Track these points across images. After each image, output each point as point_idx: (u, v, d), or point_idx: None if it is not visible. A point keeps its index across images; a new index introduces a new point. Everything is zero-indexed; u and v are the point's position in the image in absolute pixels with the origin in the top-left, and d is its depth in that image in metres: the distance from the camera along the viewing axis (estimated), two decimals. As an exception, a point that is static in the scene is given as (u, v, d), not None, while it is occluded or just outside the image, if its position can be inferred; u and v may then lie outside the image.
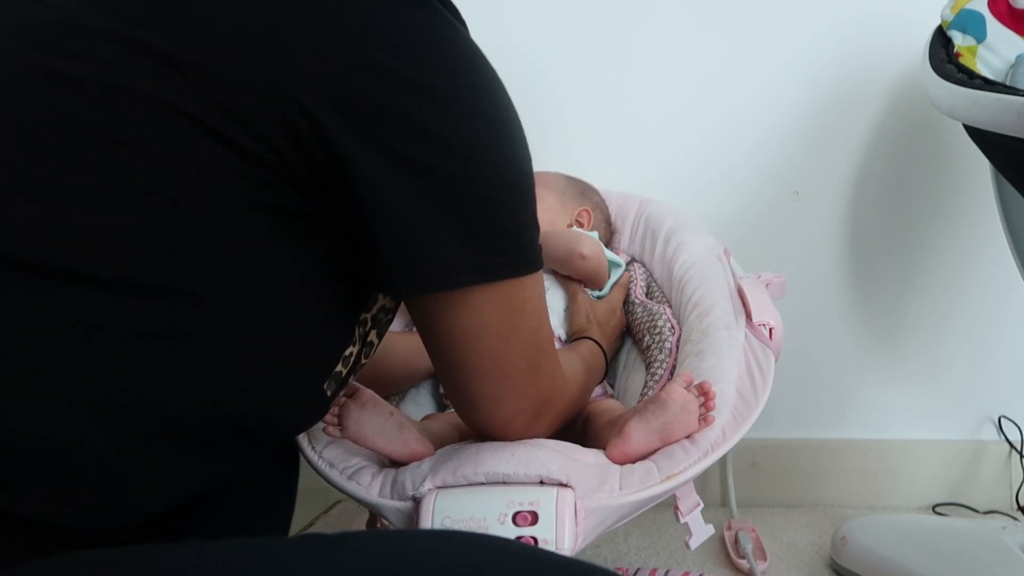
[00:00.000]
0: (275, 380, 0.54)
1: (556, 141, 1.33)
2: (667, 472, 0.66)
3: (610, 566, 1.12)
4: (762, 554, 1.12)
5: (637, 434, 0.69)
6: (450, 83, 0.52)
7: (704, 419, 0.69)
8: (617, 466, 0.68)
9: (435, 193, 0.51)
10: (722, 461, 1.29)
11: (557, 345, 0.97)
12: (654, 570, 1.03)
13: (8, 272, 0.44)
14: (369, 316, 0.61)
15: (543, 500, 0.62)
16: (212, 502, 0.65)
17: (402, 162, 0.50)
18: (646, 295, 1.08)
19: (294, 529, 1.22)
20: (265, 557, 0.41)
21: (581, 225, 1.10)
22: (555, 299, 1.03)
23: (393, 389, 0.95)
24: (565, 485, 0.63)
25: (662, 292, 1.06)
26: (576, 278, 1.03)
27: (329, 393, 0.60)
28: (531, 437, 0.67)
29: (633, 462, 0.70)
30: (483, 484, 0.64)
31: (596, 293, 1.04)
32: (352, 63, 0.49)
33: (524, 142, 0.58)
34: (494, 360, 0.59)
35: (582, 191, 1.15)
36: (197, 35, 0.48)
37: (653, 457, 0.69)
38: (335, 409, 0.68)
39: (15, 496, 0.44)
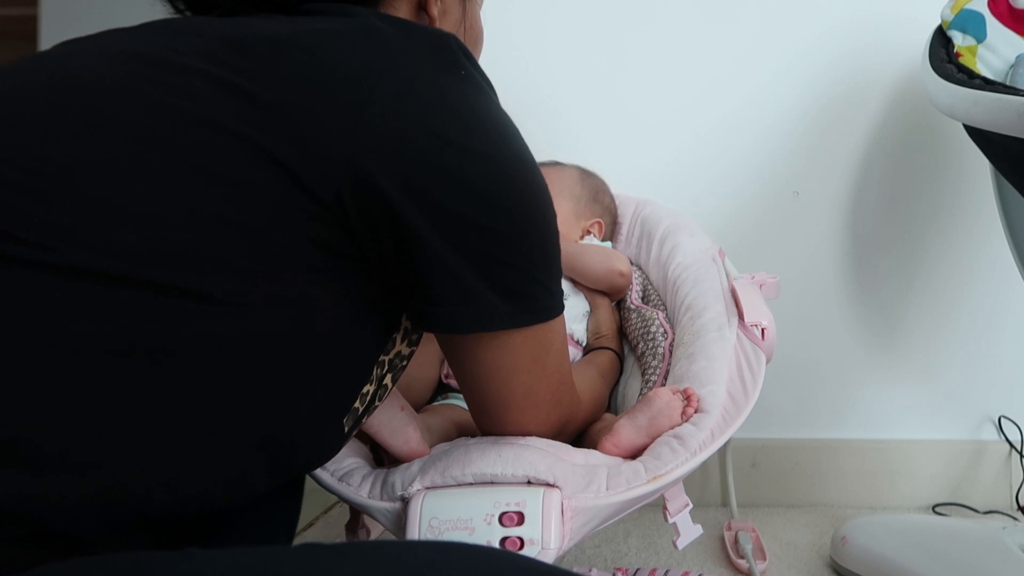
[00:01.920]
0: (301, 408, 0.57)
1: (557, 141, 1.33)
2: (654, 472, 0.67)
3: (610, 566, 1.12)
4: (762, 554, 1.12)
5: (626, 430, 0.74)
6: (497, 149, 0.58)
7: (684, 413, 0.75)
8: (604, 467, 0.68)
9: (482, 246, 0.57)
10: (722, 461, 1.29)
11: (576, 352, 1.00)
12: (654, 570, 1.03)
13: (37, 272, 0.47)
14: (387, 359, 0.64)
15: (530, 500, 0.62)
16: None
17: (454, 218, 0.56)
18: (642, 299, 1.08)
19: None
20: (264, 566, 0.41)
21: (591, 235, 1.10)
22: (577, 306, 1.03)
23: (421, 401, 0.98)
24: (552, 485, 0.64)
25: (658, 295, 1.06)
26: (604, 291, 1.06)
27: (347, 429, 0.63)
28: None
29: (624, 455, 0.73)
30: (471, 484, 0.65)
31: None
32: (412, 128, 0.54)
33: (550, 198, 0.64)
34: (523, 394, 0.66)
35: (594, 194, 1.14)
36: (283, 84, 0.53)
37: (641, 458, 0.70)
38: None
39: (21, 489, 0.44)
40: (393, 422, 0.72)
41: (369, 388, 0.63)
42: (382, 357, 0.63)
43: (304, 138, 0.52)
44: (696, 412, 0.75)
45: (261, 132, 0.51)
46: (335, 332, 0.57)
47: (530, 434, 0.69)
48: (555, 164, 1.14)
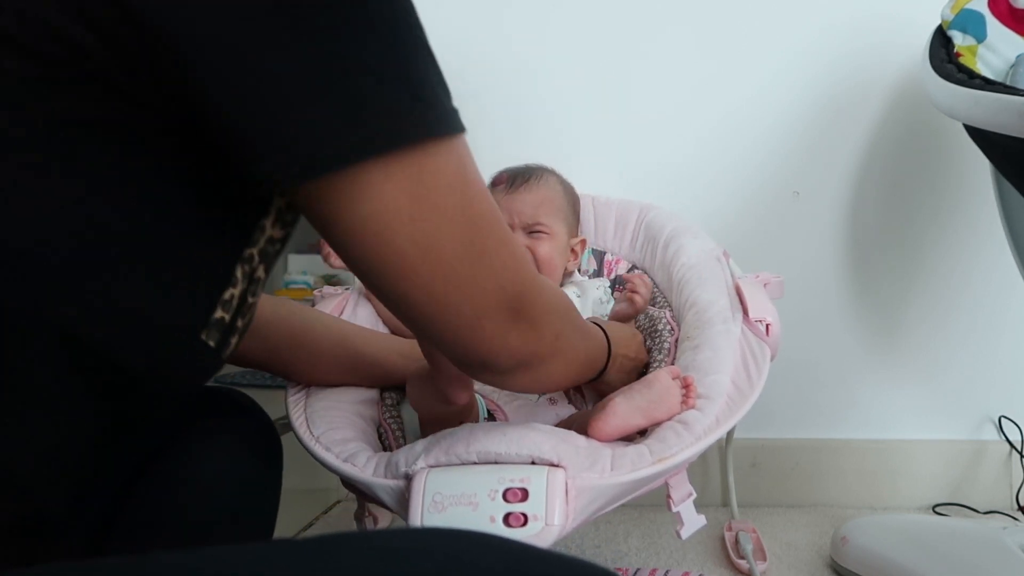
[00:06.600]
0: (131, 329, 0.47)
1: (557, 143, 1.33)
2: (659, 455, 0.67)
3: (610, 566, 1.12)
4: (762, 555, 1.12)
5: (621, 408, 0.72)
6: None
7: (685, 403, 0.74)
8: (609, 449, 0.69)
9: (294, 51, 0.42)
10: (723, 461, 1.29)
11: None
12: (654, 570, 1.03)
13: None
14: (256, 251, 0.53)
15: (534, 478, 0.63)
16: (178, 494, 0.63)
17: (240, 22, 0.41)
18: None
19: (294, 529, 1.22)
20: None
21: (575, 255, 1.09)
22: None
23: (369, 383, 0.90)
24: (556, 465, 0.64)
25: (664, 297, 1.07)
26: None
27: (214, 344, 0.52)
28: (522, 348, 0.56)
29: (614, 439, 0.72)
30: (475, 463, 0.65)
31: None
32: None
33: None
34: (418, 253, 0.49)
35: (574, 207, 1.11)
36: None
37: (646, 441, 0.70)
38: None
39: None
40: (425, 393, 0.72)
41: (233, 291, 0.51)
42: (248, 250, 0.52)
43: None
44: (696, 399, 0.75)
45: None
46: (146, 232, 0.45)
47: (463, 313, 0.52)
48: (533, 169, 1.08)
